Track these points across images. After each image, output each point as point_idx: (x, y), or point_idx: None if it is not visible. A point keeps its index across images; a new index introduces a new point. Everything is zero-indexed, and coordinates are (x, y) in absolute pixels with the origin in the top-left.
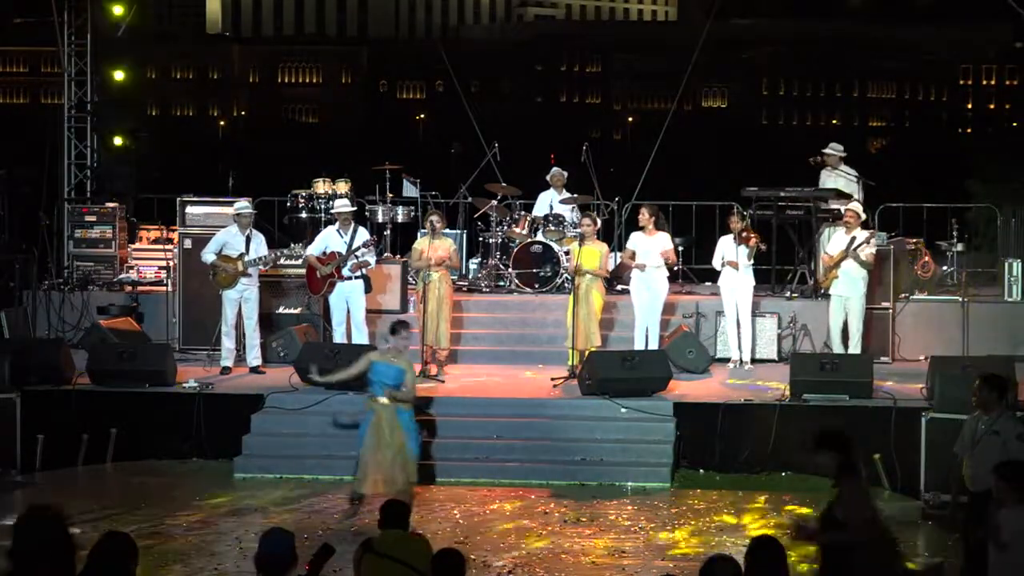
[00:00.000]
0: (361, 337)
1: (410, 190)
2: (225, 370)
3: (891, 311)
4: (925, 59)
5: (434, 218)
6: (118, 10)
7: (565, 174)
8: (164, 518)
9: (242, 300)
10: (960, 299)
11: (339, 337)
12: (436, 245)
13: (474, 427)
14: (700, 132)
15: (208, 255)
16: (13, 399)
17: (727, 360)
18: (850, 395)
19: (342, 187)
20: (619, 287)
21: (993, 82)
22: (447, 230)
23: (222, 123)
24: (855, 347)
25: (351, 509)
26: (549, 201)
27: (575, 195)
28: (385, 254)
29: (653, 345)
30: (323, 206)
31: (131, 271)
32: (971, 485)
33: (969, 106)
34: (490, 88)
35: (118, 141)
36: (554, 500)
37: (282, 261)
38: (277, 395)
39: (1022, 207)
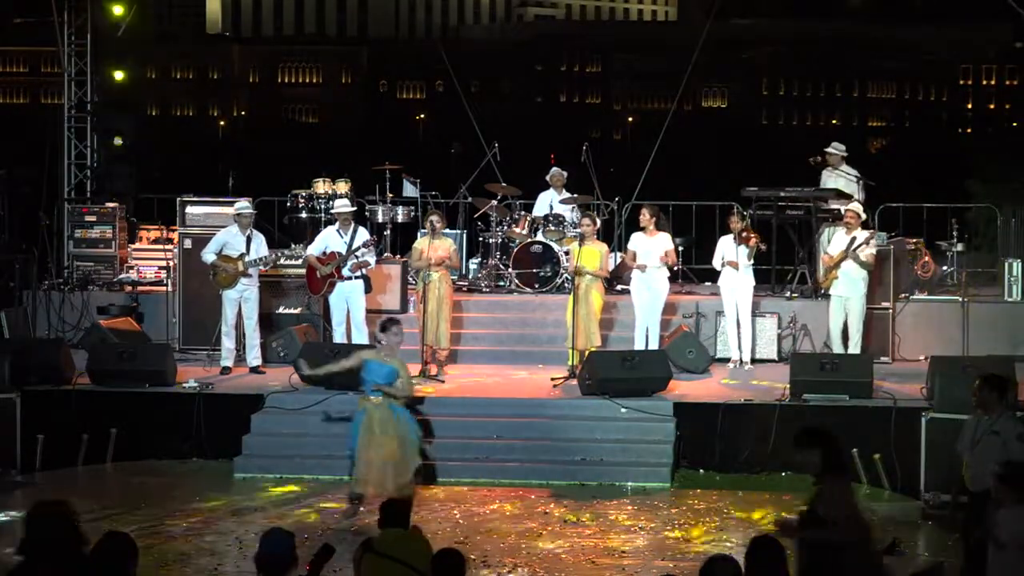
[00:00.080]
0: (361, 337)
1: (410, 190)
2: (225, 370)
3: (891, 311)
4: (925, 59)
5: (434, 218)
6: (118, 10)
7: (565, 174)
8: (164, 518)
9: (242, 300)
10: (960, 299)
11: (339, 337)
12: (436, 245)
13: (474, 427)
14: (700, 132)
15: (208, 255)
16: (13, 399)
17: (727, 360)
18: (850, 395)
19: (342, 187)
20: (619, 287)
21: (993, 82)
22: (447, 230)
23: (222, 123)
24: (855, 347)
25: (351, 509)
26: (549, 201)
27: (575, 195)
28: (385, 254)
29: (653, 345)
30: (323, 206)
31: (131, 271)
32: (971, 485)
33: (969, 106)
34: (490, 88)
35: (118, 141)
36: (554, 500)
37: (282, 261)
38: (277, 395)
39: (1022, 207)
